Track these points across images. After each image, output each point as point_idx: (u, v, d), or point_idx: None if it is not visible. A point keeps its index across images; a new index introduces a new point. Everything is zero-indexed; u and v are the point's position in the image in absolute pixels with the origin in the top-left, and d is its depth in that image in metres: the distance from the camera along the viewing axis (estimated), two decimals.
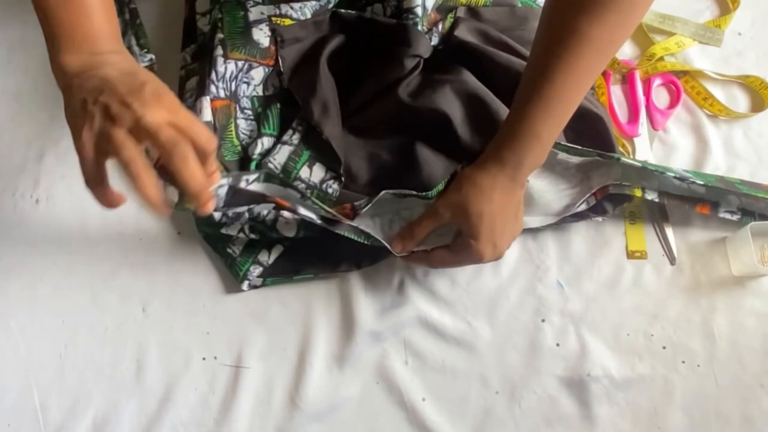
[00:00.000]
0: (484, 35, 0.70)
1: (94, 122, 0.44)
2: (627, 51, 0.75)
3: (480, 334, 0.65)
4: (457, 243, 0.59)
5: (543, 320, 0.65)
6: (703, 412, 0.63)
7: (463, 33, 0.70)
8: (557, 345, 0.65)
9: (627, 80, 0.74)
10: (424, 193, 0.62)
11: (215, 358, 0.64)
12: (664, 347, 0.65)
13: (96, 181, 0.45)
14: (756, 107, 0.73)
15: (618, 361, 0.64)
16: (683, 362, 0.64)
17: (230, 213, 0.62)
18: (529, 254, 0.67)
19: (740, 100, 0.74)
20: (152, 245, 0.67)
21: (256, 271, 0.65)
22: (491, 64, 0.68)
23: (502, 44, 0.70)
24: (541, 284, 0.66)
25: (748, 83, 0.74)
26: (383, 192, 0.61)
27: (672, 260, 0.67)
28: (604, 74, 0.73)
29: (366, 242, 0.61)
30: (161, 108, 0.44)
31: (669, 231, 0.67)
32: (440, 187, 0.63)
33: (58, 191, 0.68)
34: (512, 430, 0.62)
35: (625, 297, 0.66)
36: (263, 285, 0.65)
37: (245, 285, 0.65)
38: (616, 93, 0.74)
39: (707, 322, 0.65)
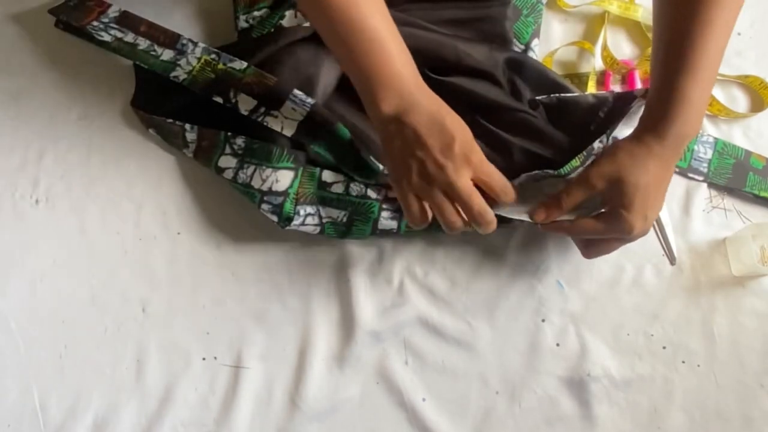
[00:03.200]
0: None
1: (413, 178, 0.53)
2: (626, 51, 0.75)
3: (480, 334, 0.65)
4: (605, 214, 0.57)
5: (543, 320, 0.65)
6: (703, 412, 0.63)
7: None
8: (557, 345, 0.65)
9: (627, 80, 0.74)
10: (557, 172, 0.61)
11: (215, 358, 0.64)
12: (664, 347, 0.65)
13: (422, 220, 0.55)
14: (755, 107, 0.73)
15: (618, 361, 0.64)
16: (683, 362, 0.64)
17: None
18: (529, 254, 0.67)
19: (740, 100, 0.74)
20: (152, 245, 0.67)
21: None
22: None
23: (401, 21, 0.67)
24: (541, 284, 0.66)
25: (747, 83, 0.74)
26: (522, 176, 0.61)
27: (672, 260, 0.67)
28: (604, 74, 0.73)
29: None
30: (469, 169, 0.53)
31: (669, 231, 0.67)
32: (574, 163, 0.61)
33: (58, 191, 0.68)
34: (512, 430, 0.63)
35: (625, 297, 0.66)
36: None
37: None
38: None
39: (707, 322, 0.65)
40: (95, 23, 0.70)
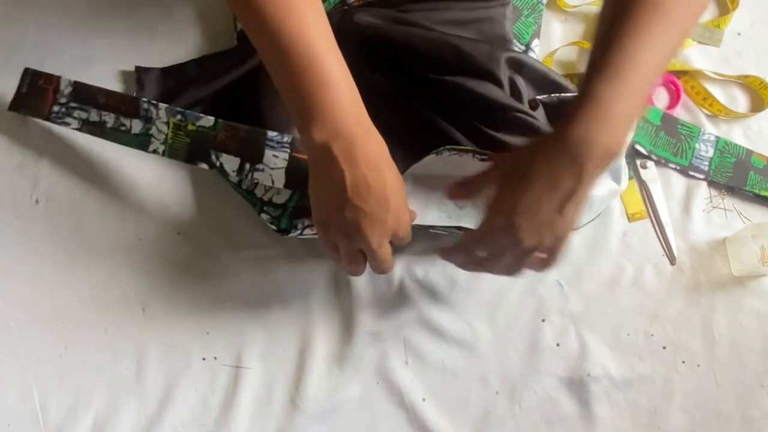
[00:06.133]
0: (386, 18, 0.68)
1: (333, 228, 0.51)
2: None
3: (480, 334, 0.65)
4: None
5: (543, 320, 0.65)
6: (703, 412, 0.63)
7: (363, 17, 0.67)
8: (557, 345, 0.65)
9: None
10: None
11: (215, 358, 0.64)
12: (664, 347, 0.65)
13: (336, 259, 0.54)
14: (756, 107, 0.73)
15: (618, 361, 0.64)
16: (683, 362, 0.64)
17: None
18: None
19: (740, 100, 0.74)
20: (152, 245, 0.67)
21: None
22: (391, 43, 0.65)
23: (403, 21, 0.67)
24: (541, 284, 0.66)
25: (747, 83, 0.74)
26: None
27: (672, 260, 0.67)
28: None
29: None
30: (386, 233, 0.50)
31: (669, 231, 0.67)
32: None
33: (58, 191, 0.68)
34: (512, 430, 0.62)
35: (625, 297, 0.66)
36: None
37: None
38: None
39: (707, 322, 0.65)
40: (55, 109, 0.66)
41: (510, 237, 0.51)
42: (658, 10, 0.48)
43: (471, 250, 0.56)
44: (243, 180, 0.64)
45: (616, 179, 0.62)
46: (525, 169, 0.50)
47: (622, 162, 0.63)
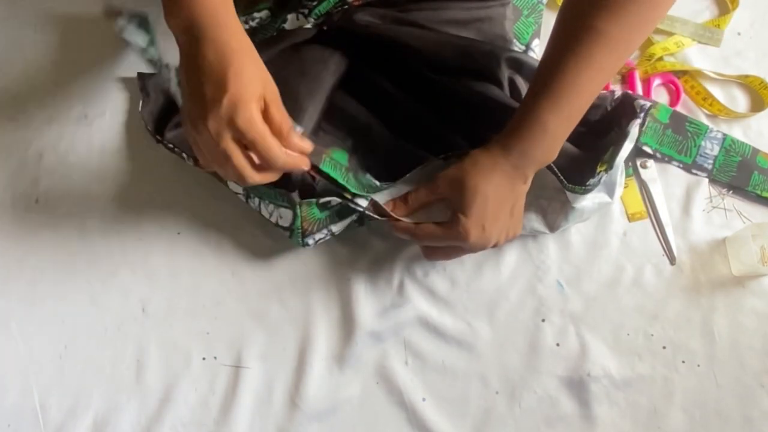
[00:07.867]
0: (386, 17, 0.68)
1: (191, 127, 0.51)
2: None
3: (480, 334, 0.65)
4: (447, 221, 0.58)
5: (543, 320, 0.65)
6: (703, 412, 0.63)
7: (363, 17, 0.67)
8: (557, 345, 0.65)
9: (626, 80, 0.74)
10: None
11: (215, 358, 0.64)
12: (664, 347, 0.65)
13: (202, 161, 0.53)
14: (755, 107, 0.73)
15: (618, 361, 0.64)
16: (683, 362, 0.64)
17: None
18: (529, 254, 0.67)
19: (740, 100, 0.74)
20: (152, 245, 0.67)
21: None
22: (391, 42, 0.65)
23: (403, 21, 0.68)
24: (541, 284, 0.66)
25: (747, 83, 0.74)
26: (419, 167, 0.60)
27: (672, 260, 0.67)
28: None
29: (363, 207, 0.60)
30: (233, 129, 0.49)
31: (669, 231, 0.67)
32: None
33: (58, 191, 0.68)
34: (512, 430, 0.63)
35: (625, 297, 0.66)
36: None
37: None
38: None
39: (707, 322, 0.65)
40: None
41: (460, 238, 0.56)
42: (601, 39, 0.52)
43: (422, 240, 0.60)
44: (248, 201, 0.65)
45: (610, 193, 0.62)
46: (475, 176, 0.56)
47: (617, 176, 0.63)
